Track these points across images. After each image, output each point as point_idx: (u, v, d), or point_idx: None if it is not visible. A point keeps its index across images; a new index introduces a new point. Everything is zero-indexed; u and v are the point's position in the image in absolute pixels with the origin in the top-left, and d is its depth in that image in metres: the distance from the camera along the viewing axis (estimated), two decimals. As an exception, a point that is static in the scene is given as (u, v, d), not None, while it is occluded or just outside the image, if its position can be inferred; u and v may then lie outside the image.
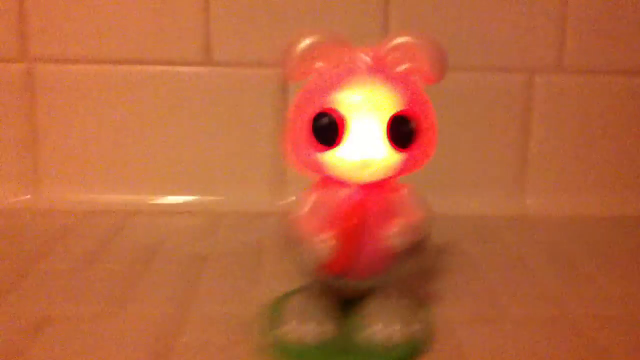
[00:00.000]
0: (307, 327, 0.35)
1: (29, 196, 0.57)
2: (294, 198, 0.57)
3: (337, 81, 0.35)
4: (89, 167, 0.58)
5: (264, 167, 0.58)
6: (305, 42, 0.35)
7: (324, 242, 0.34)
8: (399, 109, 0.34)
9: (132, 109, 0.57)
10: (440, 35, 0.54)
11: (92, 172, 0.58)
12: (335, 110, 0.34)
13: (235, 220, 0.56)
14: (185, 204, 0.58)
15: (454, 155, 0.56)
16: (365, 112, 0.34)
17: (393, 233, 0.35)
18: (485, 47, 0.57)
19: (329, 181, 0.36)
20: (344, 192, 0.36)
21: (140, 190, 0.58)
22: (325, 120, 0.34)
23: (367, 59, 0.35)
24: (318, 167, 0.35)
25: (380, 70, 0.35)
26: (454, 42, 0.56)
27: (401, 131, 0.34)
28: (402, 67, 0.35)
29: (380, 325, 0.35)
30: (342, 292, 0.37)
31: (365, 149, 0.34)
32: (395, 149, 0.34)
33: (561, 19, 0.56)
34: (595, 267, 0.48)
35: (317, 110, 0.34)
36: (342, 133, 0.34)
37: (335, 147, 0.34)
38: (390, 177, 0.35)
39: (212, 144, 0.58)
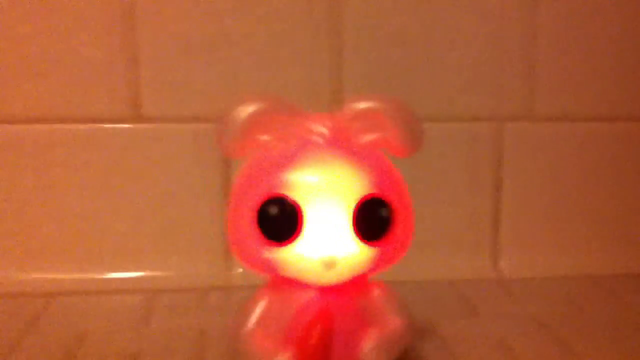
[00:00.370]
0: None
1: None
2: (241, 270, 0.49)
3: (288, 159, 0.28)
4: (3, 241, 0.48)
5: (209, 235, 0.50)
6: (247, 111, 0.27)
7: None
8: (367, 192, 0.27)
9: (54, 173, 0.48)
10: (402, 84, 0.50)
11: (7, 246, 0.48)
12: (287, 197, 0.27)
13: (176, 300, 0.48)
14: (117, 281, 0.49)
15: (419, 215, 0.49)
16: (326, 198, 0.27)
17: (367, 349, 0.28)
18: (451, 96, 0.51)
19: (284, 282, 0.29)
20: (303, 298, 0.28)
21: (65, 267, 0.49)
22: (274, 209, 0.27)
23: (324, 130, 0.28)
24: (269, 266, 0.28)
25: (341, 143, 0.28)
26: (417, 91, 0.50)
27: (372, 220, 0.27)
28: (366, 139, 0.28)
29: None
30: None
31: (328, 245, 0.27)
32: (366, 242, 0.27)
33: (531, 64, 0.51)
34: (580, 340, 0.41)
35: (264, 197, 0.27)
36: (298, 225, 0.27)
37: (289, 242, 0.27)
38: (360, 276, 0.28)
39: (148, 211, 0.49)
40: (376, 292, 0.29)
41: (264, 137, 0.28)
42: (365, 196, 0.27)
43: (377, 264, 0.28)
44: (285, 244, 0.27)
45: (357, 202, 0.27)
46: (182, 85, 0.48)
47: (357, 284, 0.29)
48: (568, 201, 0.53)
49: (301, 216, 0.27)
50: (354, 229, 0.27)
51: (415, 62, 0.50)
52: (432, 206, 0.52)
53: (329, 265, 0.27)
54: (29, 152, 0.48)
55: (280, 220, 0.27)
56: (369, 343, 0.28)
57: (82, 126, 0.48)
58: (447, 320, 0.45)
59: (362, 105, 0.28)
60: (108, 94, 0.48)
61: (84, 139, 0.48)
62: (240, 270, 0.50)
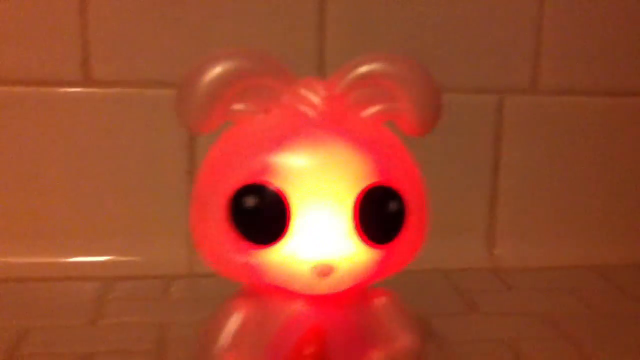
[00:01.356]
0: None
1: None
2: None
3: (269, 137, 0.22)
4: None
5: (170, 217, 0.45)
6: (216, 71, 0.22)
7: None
8: (372, 180, 0.21)
9: None
10: (393, 49, 0.45)
11: None
12: (268, 184, 0.21)
13: (135, 290, 0.43)
14: (68, 266, 0.44)
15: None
16: (319, 187, 0.21)
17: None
18: (448, 64, 0.46)
19: (265, 289, 0.23)
20: (289, 311, 0.22)
21: (7, 250, 0.44)
22: (253, 199, 0.21)
23: (317, 100, 0.22)
24: (246, 271, 0.22)
25: (339, 117, 0.22)
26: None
27: (379, 216, 0.21)
28: (371, 112, 0.23)
29: None
30: None
31: (322, 247, 0.21)
32: (370, 244, 0.21)
33: (537, 34, 0.47)
34: (590, 338, 0.38)
35: (239, 184, 0.21)
36: (282, 221, 0.21)
37: (271, 244, 0.21)
38: (359, 285, 0.23)
39: (103, 187, 0.45)
40: (379, 303, 0.24)
41: (238, 107, 0.22)
42: (369, 185, 0.21)
43: (381, 269, 0.22)
44: (267, 246, 0.21)
45: (359, 193, 0.21)
46: (138, 45, 0.43)
47: (356, 292, 0.23)
48: (572, 184, 0.49)
49: (288, 209, 0.21)
50: (356, 228, 0.21)
51: (409, 24, 0.45)
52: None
53: (324, 272, 0.21)
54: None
55: (260, 214, 0.21)
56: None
57: (29, 89, 0.43)
58: (444, 317, 0.40)
59: (365, 67, 0.22)
60: (56, 55, 0.43)
61: (32, 103, 0.43)
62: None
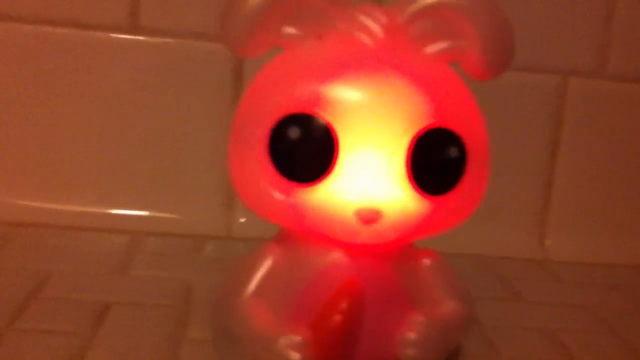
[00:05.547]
0: None
1: None
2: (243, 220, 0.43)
3: (322, 66, 0.20)
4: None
5: (211, 174, 0.44)
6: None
7: (292, 349, 0.19)
8: (430, 122, 0.19)
9: (36, 80, 0.42)
10: None
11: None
12: (317, 115, 0.19)
13: (164, 246, 0.41)
14: (98, 217, 0.43)
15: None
16: (372, 124, 0.19)
17: (409, 340, 0.20)
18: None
19: (302, 236, 0.21)
20: (325, 261, 0.20)
21: (34, 194, 0.43)
22: (297, 131, 0.19)
23: (377, 28, 0.20)
24: (284, 212, 0.20)
25: (399, 50, 0.20)
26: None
27: (435, 161, 0.19)
28: (434, 48, 0.20)
29: None
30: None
31: (369, 191, 0.19)
32: (423, 193, 0.19)
33: (608, 17, 0.44)
34: (635, 333, 0.35)
35: (282, 113, 0.19)
36: (329, 158, 0.19)
37: (314, 182, 0.19)
38: (406, 238, 0.20)
39: (142, 138, 0.44)
40: (426, 263, 0.21)
41: (289, 30, 0.20)
42: (427, 126, 0.19)
43: (433, 223, 0.20)
44: (309, 184, 0.19)
45: (415, 134, 0.19)
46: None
47: (402, 248, 0.21)
48: (632, 178, 0.47)
49: (334, 146, 0.19)
50: (408, 173, 0.19)
51: None
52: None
53: (369, 218, 0.19)
54: (10, 55, 0.42)
55: (305, 148, 0.19)
56: (412, 332, 0.20)
57: (72, 31, 0.42)
58: (485, 304, 0.38)
59: (432, -1, 0.20)
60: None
61: (74, 46, 0.42)
62: (243, 220, 0.44)
